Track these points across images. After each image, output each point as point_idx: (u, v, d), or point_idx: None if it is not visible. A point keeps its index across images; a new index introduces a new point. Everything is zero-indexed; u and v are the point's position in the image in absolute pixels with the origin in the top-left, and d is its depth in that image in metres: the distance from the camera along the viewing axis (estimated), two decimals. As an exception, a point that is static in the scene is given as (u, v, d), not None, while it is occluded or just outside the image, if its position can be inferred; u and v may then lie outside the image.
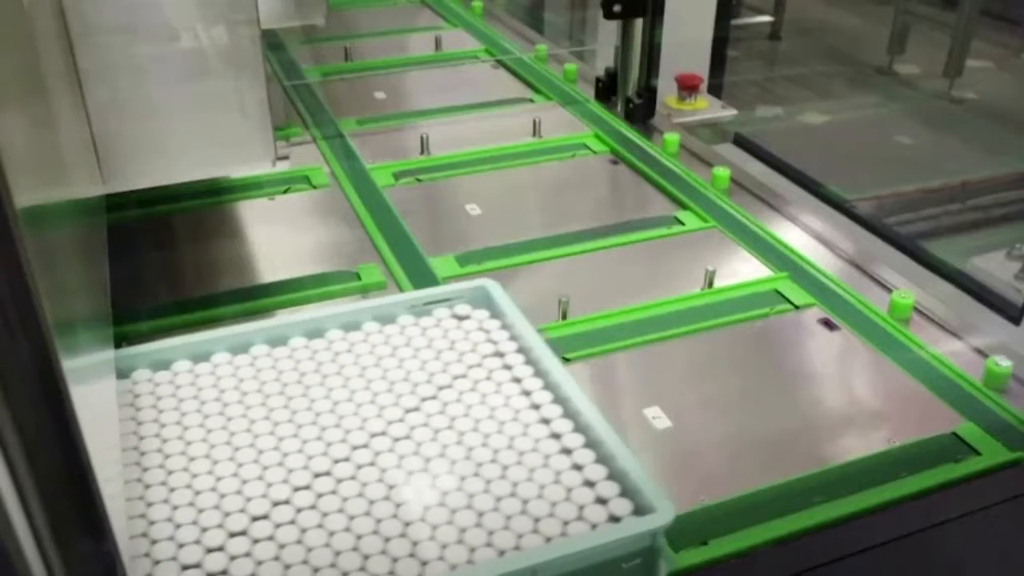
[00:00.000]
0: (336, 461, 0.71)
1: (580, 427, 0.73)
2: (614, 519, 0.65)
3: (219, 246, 1.15)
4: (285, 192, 1.27)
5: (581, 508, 0.66)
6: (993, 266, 1.47)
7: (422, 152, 1.38)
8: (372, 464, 0.71)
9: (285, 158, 1.25)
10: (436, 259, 1.10)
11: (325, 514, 0.67)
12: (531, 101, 1.58)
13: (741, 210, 1.22)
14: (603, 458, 0.70)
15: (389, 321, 0.86)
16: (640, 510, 0.66)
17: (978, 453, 0.82)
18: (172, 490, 0.70)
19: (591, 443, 0.72)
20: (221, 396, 0.78)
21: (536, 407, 0.76)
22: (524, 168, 1.36)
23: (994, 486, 0.79)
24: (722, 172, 1.29)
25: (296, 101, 1.56)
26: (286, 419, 0.75)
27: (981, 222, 1.82)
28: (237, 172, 1.23)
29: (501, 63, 1.74)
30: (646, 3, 1.43)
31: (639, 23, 1.45)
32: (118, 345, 0.95)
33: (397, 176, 1.31)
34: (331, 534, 0.65)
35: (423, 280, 1.06)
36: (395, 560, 0.64)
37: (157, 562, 0.65)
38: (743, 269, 1.10)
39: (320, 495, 0.68)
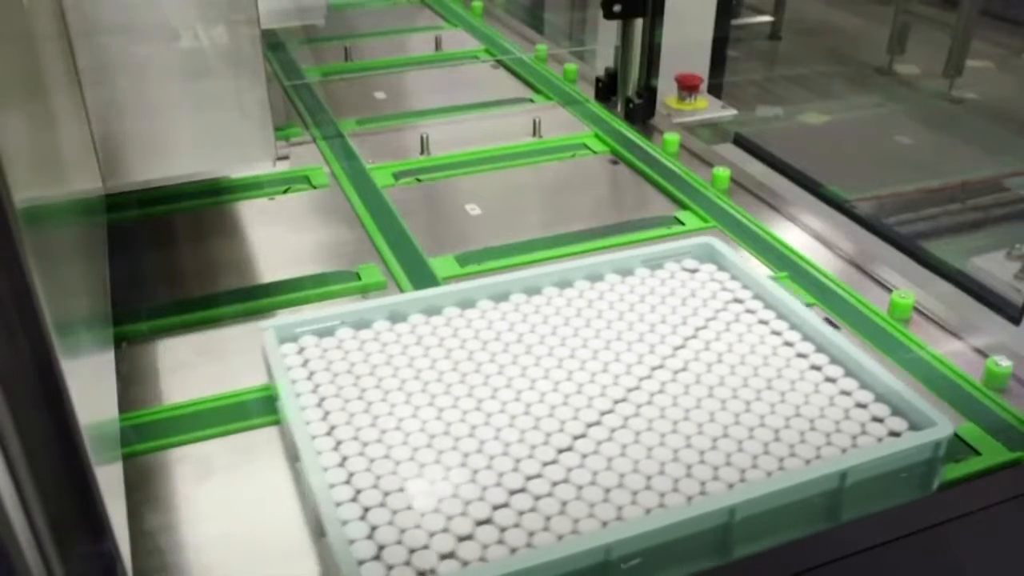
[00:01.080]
0: (616, 401, 0.79)
1: (837, 359, 0.83)
2: (893, 434, 0.76)
3: (219, 246, 1.15)
4: (285, 192, 1.27)
5: (862, 425, 0.77)
6: (993, 266, 1.47)
7: (422, 152, 1.38)
8: (649, 403, 0.79)
9: (285, 158, 1.25)
10: (436, 259, 1.10)
11: (623, 444, 0.76)
12: (531, 101, 1.58)
13: (741, 210, 1.22)
14: (866, 384, 0.80)
15: (619, 278, 0.96)
16: (914, 426, 0.76)
17: (978, 453, 0.81)
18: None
19: (851, 372, 0.82)
20: (450, 352, 0.86)
21: (789, 344, 0.86)
22: (524, 168, 1.36)
23: (994, 486, 0.79)
24: (722, 172, 1.29)
25: (296, 101, 1.56)
26: (554, 365, 0.84)
27: (981, 222, 1.82)
28: (237, 172, 1.23)
29: (501, 63, 1.74)
30: (646, 3, 1.43)
31: (639, 23, 1.45)
32: (118, 345, 0.96)
33: (397, 176, 1.31)
34: (635, 462, 0.74)
35: (423, 280, 1.06)
36: (716, 469, 0.73)
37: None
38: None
39: (612, 428, 0.77)
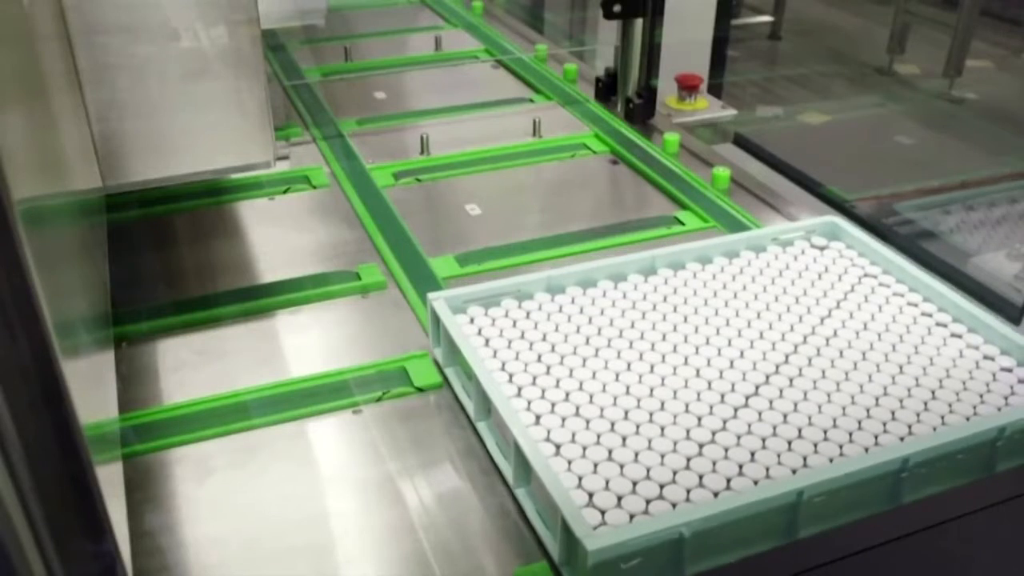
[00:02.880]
0: (778, 365, 0.86)
1: (978, 329, 0.90)
2: None
3: (219, 246, 1.15)
4: (285, 192, 1.27)
5: (1010, 387, 0.83)
6: (993, 266, 1.47)
7: (422, 152, 1.38)
8: (810, 366, 0.86)
9: (285, 158, 1.25)
10: (436, 259, 1.10)
11: (794, 401, 0.82)
12: (531, 101, 1.58)
13: (741, 210, 1.22)
14: (1008, 350, 0.87)
15: (753, 254, 1.04)
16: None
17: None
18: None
19: (990, 340, 0.89)
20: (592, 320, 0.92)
21: (927, 315, 0.93)
22: (524, 168, 1.36)
23: (994, 486, 0.79)
24: (722, 172, 1.29)
25: (296, 101, 1.56)
26: (712, 334, 0.90)
27: (981, 222, 1.82)
28: (237, 172, 1.23)
29: (501, 63, 1.74)
30: (646, 3, 1.43)
31: (639, 23, 1.45)
32: (118, 345, 0.96)
33: (397, 176, 1.31)
34: (808, 416, 0.80)
35: (423, 280, 1.06)
36: (884, 424, 0.79)
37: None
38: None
39: (782, 387, 0.84)
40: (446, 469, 0.82)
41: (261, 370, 0.93)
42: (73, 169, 0.77)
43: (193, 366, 0.94)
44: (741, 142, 1.76)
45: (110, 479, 0.65)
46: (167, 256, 1.14)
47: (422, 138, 1.38)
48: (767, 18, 2.99)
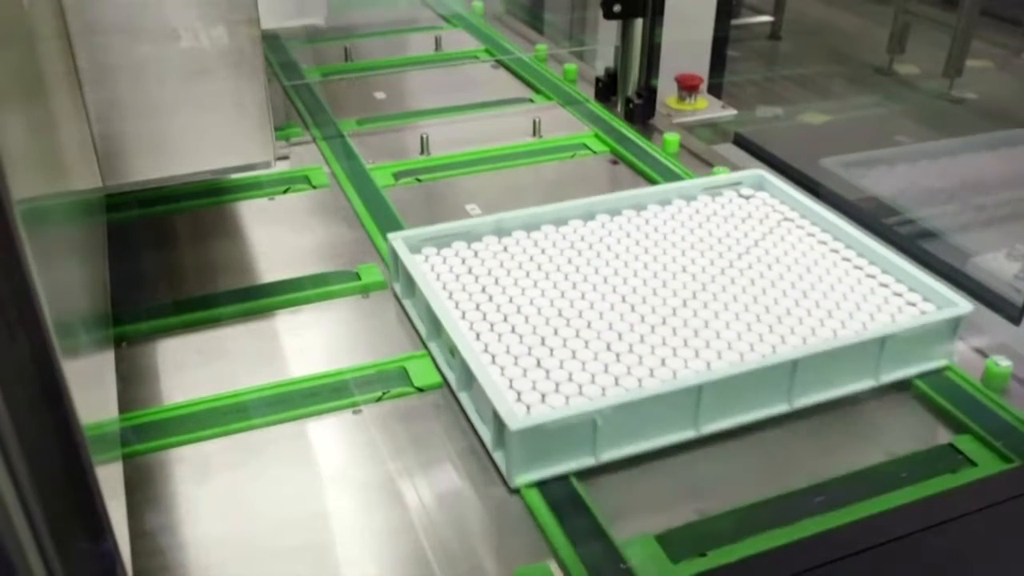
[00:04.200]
0: (685, 300, 0.96)
1: (877, 262, 1.02)
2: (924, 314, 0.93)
3: (219, 246, 1.15)
4: (285, 192, 1.27)
5: (898, 308, 0.95)
6: (993, 266, 1.47)
7: (422, 152, 1.38)
8: (724, 291, 0.97)
9: (285, 158, 1.25)
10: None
11: (706, 319, 0.93)
12: (531, 101, 1.58)
13: (741, 210, 1.21)
14: (901, 278, 0.99)
15: (684, 202, 1.15)
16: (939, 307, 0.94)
17: (974, 464, 0.81)
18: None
19: (887, 269, 1.00)
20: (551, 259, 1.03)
21: (835, 251, 1.05)
22: (524, 168, 1.36)
23: (993, 487, 0.79)
24: (722, 172, 1.29)
25: (296, 101, 1.56)
26: (631, 274, 1.00)
27: (981, 222, 1.82)
28: (237, 172, 1.23)
29: (501, 63, 1.74)
30: (646, 3, 1.43)
31: (639, 23, 1.45)
32: (118, 345, 0.96)
33: (397, 176, 1.31)
34: (717, 331, 0.91)
35: (423, 280, 1.06)
36: (783, 337, 0.90)
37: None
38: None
39: (692, 311, 0.94)
40: (446, 469, 0.82)
41: (261, 370, 0.93)
42: (73, 169, 0.77)
43: (193, 366, 0.94)
44: (741, 142, 1.75)
45: (110, 479, 0.65)
46: (167, 256, 1.14)
47: (422, 138, 1.38)
48: (767, 18, 2.99)
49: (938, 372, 0.92)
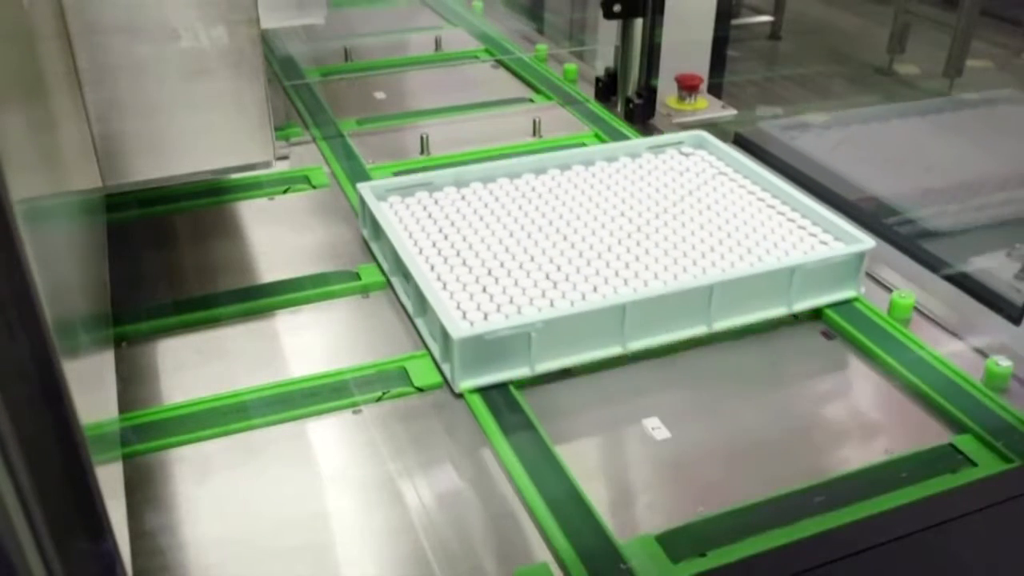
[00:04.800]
0: (620, 239, 1.05)
1: (799, 208, 1.12)
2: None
3: (219, 246, 1.15)
4: (285, 192, 1.27)
5: (811, 246, 1.05)
6: (993, 266, 1.47)
7: (422, 152, 1.37)
8: (647, 238, 1.05)
9: (285, 158, 1.25)
10: (436, 259, 1.10)
11: (637, 255, 1.03)
12: (531, 101, 1.58)
13: (741, 210, 1.22)
14: (817, 222, 1.09)
15: (630, 159, 1.25)
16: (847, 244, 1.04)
17: (974, 464, 0.81)
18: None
19: (806, 215, 1.11)
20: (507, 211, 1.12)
21: (761, 200, 1.15)
22: (524, 168, 1.35)
23: (993, 487, 0.79)
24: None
25: (296, 101, 1.56)
26: (574, 218, 1.10)
27: (981, 222, 1.81)
28: (237, 172, 1.23)
29: (501, 63, 1.74)
30: (646, 3, 1.43)
31: (639, 23, 1.45)
32: (118, 345, 0.96)
33: (397, 176, 1.31)
34: (647, 265, 1.01)
35: (423, 280, 1.06)
36: (704, 270, 1.00)
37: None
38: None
39: (626, 248, 1.04)
40: (446, 469, 0.82)
41: (261, 370, 0.93)
42: (73, 169, 0.77)
43: (193, 366, 0.94)
44: (741, 142, 1.75)
45: (110, 479, 0.65)
46: (167, 256, 1.14)
47: (422, 138, 1.38)
48: (767, 18, 2.99)
49: (847, 303, 1.02)
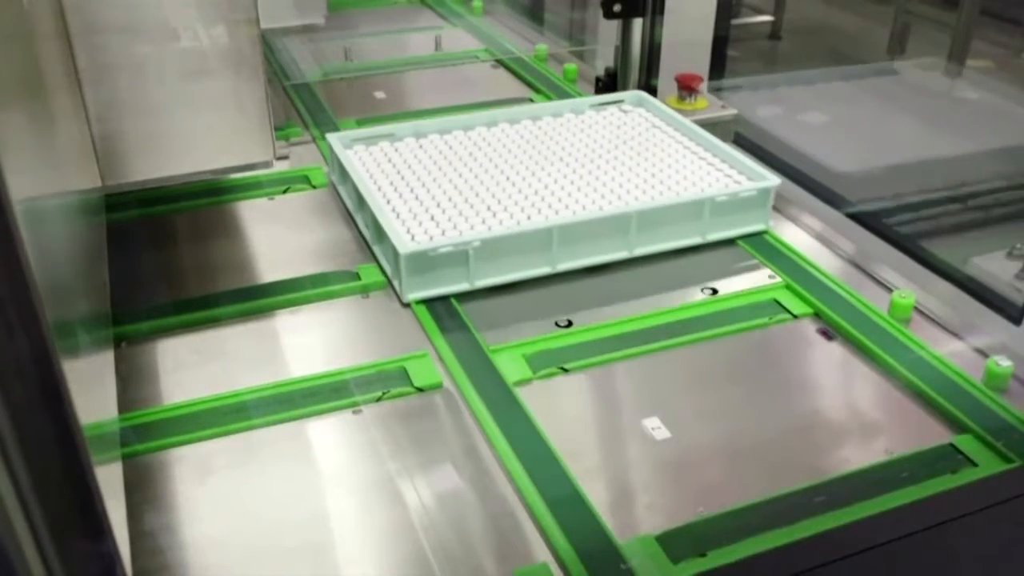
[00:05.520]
0: (557, 179, 1.18)
1: (719, 155, 1.24)
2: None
3: (219, 246, 1.15)
4: (285, 192, 1.27)
5: (726, 185, 1.17)
6: (993, 266, 1.47)
7: (422, 152, 1.37)
8: (581, 178, 1.18)
9: (285, 158, 1.25)
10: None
11: (571, 193, 1.16)
12: (531, 101, 1.58)
13: (741, 210, 1.22)
14: (734, 166, 1.21)
15: (573, 115, 1.38)
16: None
17: (975, 464, 0.81)
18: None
19: (726, 160, 1.23)
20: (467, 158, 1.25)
21: (687, 148, 1.27)
22: (524, 168, 1.35)
23: (993, 487, 0.79)
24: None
25: (296, 101, 1.56)
26: (518, 163, 1.22)
27: (981, 222, 1.82)
28: (237, 171, 1.23)
29: (501, 63, 1.74)
30: (646, 3, 1.43)
31: (639, 23, 1.45)
32: (117, 345, 0.95)
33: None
34: (578, 201, 1.14)
35: (423, 280, 1.06)
36: (627, 204, 1.12)
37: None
38: (743, 269, 1.10)
39: (561, 186, 1.17)
40: (446, 469, 0.82)
41: (261, 370, 0.93)
42: (73, 169, 0.77)
43: (193, 366, 0.94)
44: (741, 142, 1.75)
45: (110, 479, 0.65)
46: (167, 256, 1.14)
47: (422, 138, 1.38)
48: (767, 18, 2.99)
49: (757, 235, 1.16)
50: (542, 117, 1.36)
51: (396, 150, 1.25)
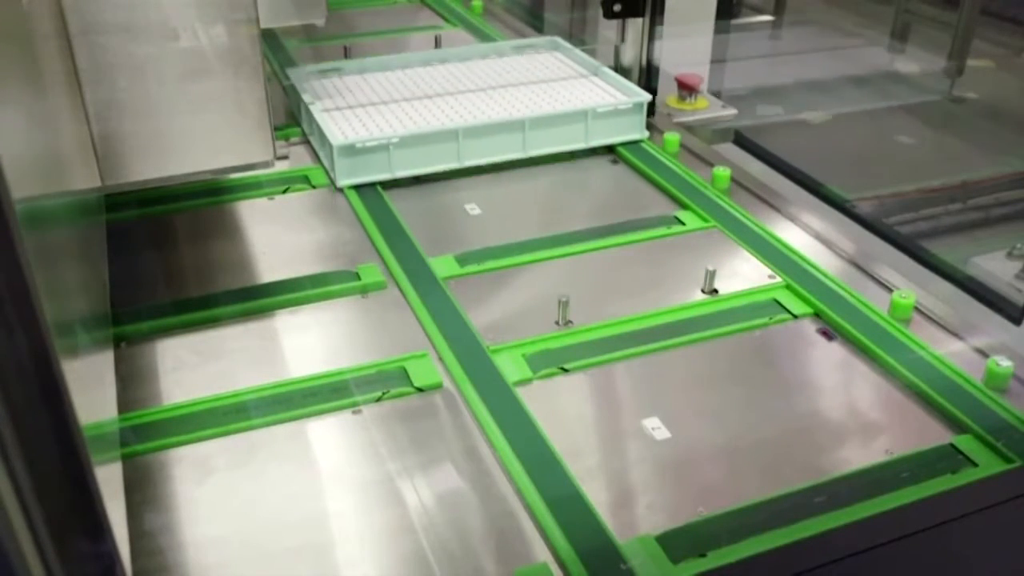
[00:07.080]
0: (479, 98, 1.43)
1: (610, 82, 1.47)
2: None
3: (219, 246, 1.15)
4: (285, 192, 1.27)
5: (613, 107, 1.37)
6: (993, 266, 1.47)
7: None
8: (494, 101, 1.41)
9: (285, 158, 1.26)
10: (436, 259, 1.10)
11: (483, 109, 1.39)
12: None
13: (741, 210, 1.22)
14: (621, 90, 1.43)
15: (497, 56, 1.63)
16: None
17: (975, 464, 0.81)
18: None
19: (614, 85, 1.45)
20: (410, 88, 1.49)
21: (584, 78, 1.50)
22: (524, 169, 1.35)
23: (993, 487, 0.79)
24: (722, 172, 1.29)
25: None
26: (448, 93, 1.46)
27: (981, 222, 1.81)
28: (237, 171, 1.23)
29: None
30: (646, 3, 1.43)
31: (639, 23, 1.45)
32: (117, 345, 0.95)
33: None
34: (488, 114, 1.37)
35: (423, 280, 1.06)
36: (533, 111, 1.37)
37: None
38: (743, 269, 1.10)
39: (473, 104, 1.41)
40: (446, 469, 0.82)
41: (261, 370, 0.93)
42: (72, 169, 0.77)
43: (192, 366, 0.94)
44: (741, 142, 1.75)
45: (109, 479, 0.65)
46: (167, 256, 1.14)
47: (422, 138, 1.38)
48: (767, 18, 2.98)
49: (636, 144, 1.39)
50: (471, 58, 1.61)
51: (343, 81, 1.51)
